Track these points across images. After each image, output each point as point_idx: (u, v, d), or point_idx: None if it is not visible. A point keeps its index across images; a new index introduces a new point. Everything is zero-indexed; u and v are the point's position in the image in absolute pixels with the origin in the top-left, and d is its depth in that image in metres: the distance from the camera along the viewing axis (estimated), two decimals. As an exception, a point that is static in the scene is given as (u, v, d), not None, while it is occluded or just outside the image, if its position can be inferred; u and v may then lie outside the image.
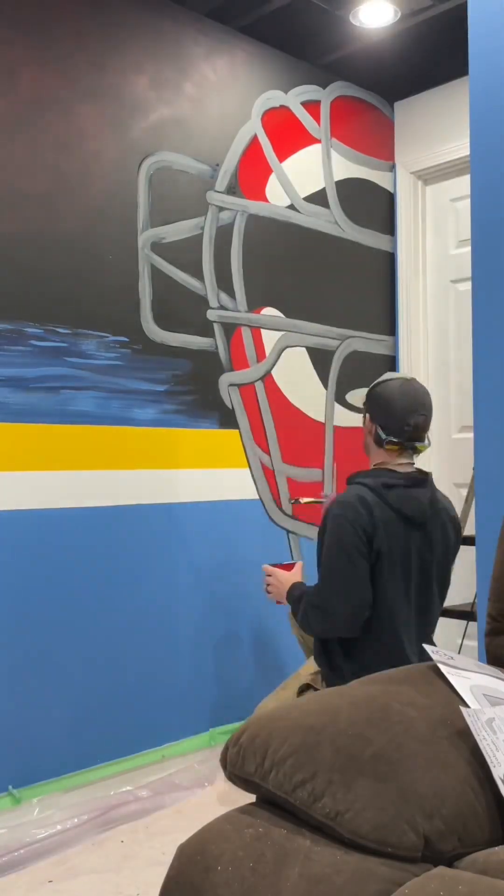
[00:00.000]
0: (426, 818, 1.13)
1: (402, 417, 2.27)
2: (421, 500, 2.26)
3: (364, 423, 2.38)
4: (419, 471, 2.33)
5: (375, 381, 2.37)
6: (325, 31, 3.11)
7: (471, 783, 1.19)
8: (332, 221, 3.39)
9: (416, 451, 2.33)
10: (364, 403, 2.38)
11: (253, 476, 3.08)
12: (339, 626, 2.21)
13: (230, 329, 3.02)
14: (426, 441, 2.33)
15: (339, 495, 2.30)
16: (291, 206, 3.24)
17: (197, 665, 2.88)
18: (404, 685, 1.36)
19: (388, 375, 2.39)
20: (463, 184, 3.34)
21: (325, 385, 3.35)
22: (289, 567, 2.45)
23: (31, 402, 2.49)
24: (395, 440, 2.28)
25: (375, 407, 2.33)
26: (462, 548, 3.01)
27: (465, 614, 2.93)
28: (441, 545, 2.31)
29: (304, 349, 3.27)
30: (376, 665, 1.99)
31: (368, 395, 2.36)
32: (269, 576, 2.45)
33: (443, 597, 2.37)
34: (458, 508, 3.39)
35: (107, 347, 2.66)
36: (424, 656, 1.92)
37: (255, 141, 3.12)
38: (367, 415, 2.36)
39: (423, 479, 2.31)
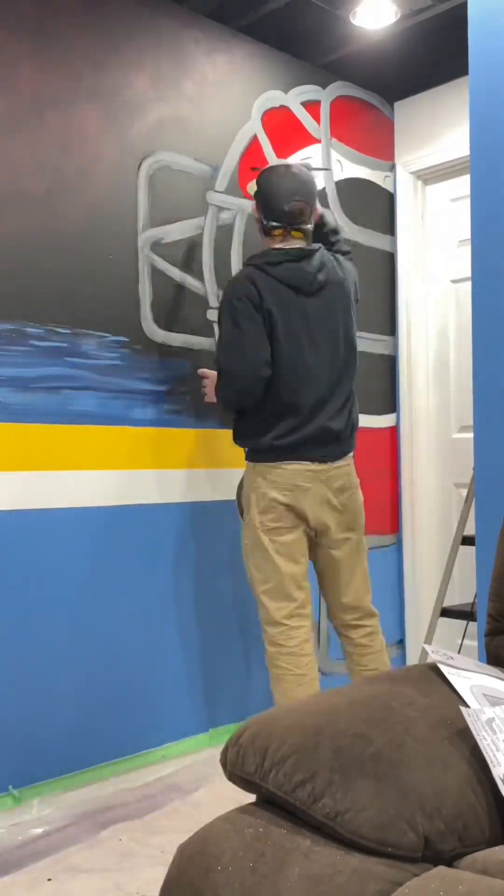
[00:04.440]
0: (426, 818, 1.13)
1: (279, 204, 2.50)
2: (307, 269, 2.49)
3: (254, 212, 2.64)
4: (304, 248, 2.53)
5: (261, 169, 2.63)
6: (325, 31, 3.11)
7: (471, 783, 1.19)
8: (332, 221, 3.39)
9: (303, 234, 2.55)
10: (254, 193, 2.63)
11: (253, 476, 3.08)
12: (239, 385, 2.45)
13: (230, 329, 3.02)
14: (309, 224, 2.56)
15: (231, 278, 2.61)
16: (291, 206, 3.23)
17: (197, 665, 2.88)
18: (404, 685, 1.36)
19: (273, 164, 2.69)
20: (463, 184, 3.34)
21: (325, 385, 3.34)
22: None
23: (32, 402, 2.49)
24: (276, 224, 2.53)
25: (258, 195, 2.58)
26: (462, 548, 3.04)
27: (465, 614, 2.93)
28: (342, 311, 2.57)
29: (304, 349, 3.26)
30: (280, 422, 2.47)
31: (256, 184, 2.60)
32: (206, 378, 2.75)
33: (354, 359, 2.63)
34: (458, 509, 3.40)
35: (107, 347, 2.66)
36: (338, 424, 2.51)
37: (255, 141, 3.12)
38: (255, 204, 2.60)
39: (308, 252, 2.52)
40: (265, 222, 2.55)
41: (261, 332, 2.43)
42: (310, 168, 2.66)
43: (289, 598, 2.51)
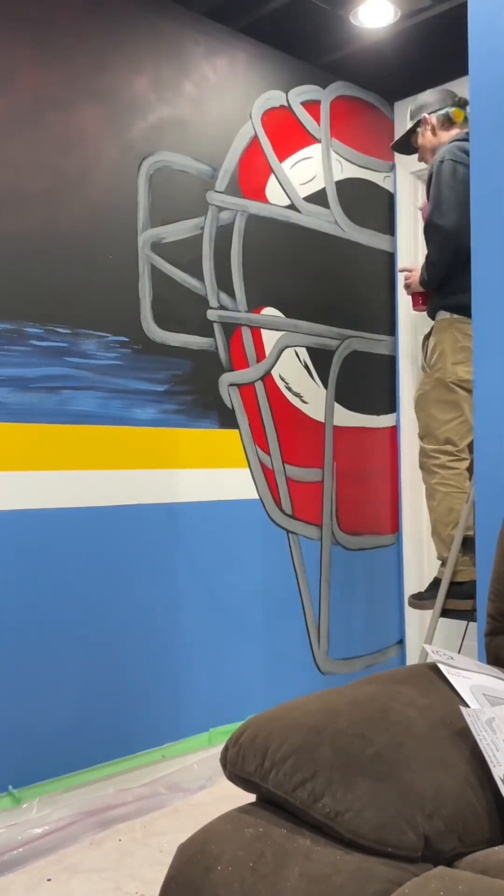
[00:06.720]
0: (426, 818, 1.13)
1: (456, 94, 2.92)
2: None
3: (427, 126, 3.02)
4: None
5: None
6: (325, 31, 3.11)
7: (471, 783, 1.19)
8: (332, 221, 3.39)
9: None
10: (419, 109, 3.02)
11: (253, 476, 3.08)
12: (449, 241, 2.73)
13: (230, 329, 3.02)
14: None
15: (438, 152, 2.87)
16: (291, 206, 3.24)
17: (197, 665, 2.88)
18: (404, 685, 1.36)
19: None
20: (463, 184, 3.34)
21: (325, 385, 3.35)
22: None
23: (31, 402, 2.48)
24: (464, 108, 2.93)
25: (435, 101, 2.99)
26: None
27: (465, 614, 2.93)
28: None
29: (304, 349, 3.27)
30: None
31: (424, 100, 3.01)
32: (410, 271, 3.04)
33: None
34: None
35: (107, 347, 2.66)
36: None
37: (254, 141, 3.11)
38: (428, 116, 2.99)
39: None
40: (450, 112, 2.95)
41: (467, 191, 2.65)
42: None
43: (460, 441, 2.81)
